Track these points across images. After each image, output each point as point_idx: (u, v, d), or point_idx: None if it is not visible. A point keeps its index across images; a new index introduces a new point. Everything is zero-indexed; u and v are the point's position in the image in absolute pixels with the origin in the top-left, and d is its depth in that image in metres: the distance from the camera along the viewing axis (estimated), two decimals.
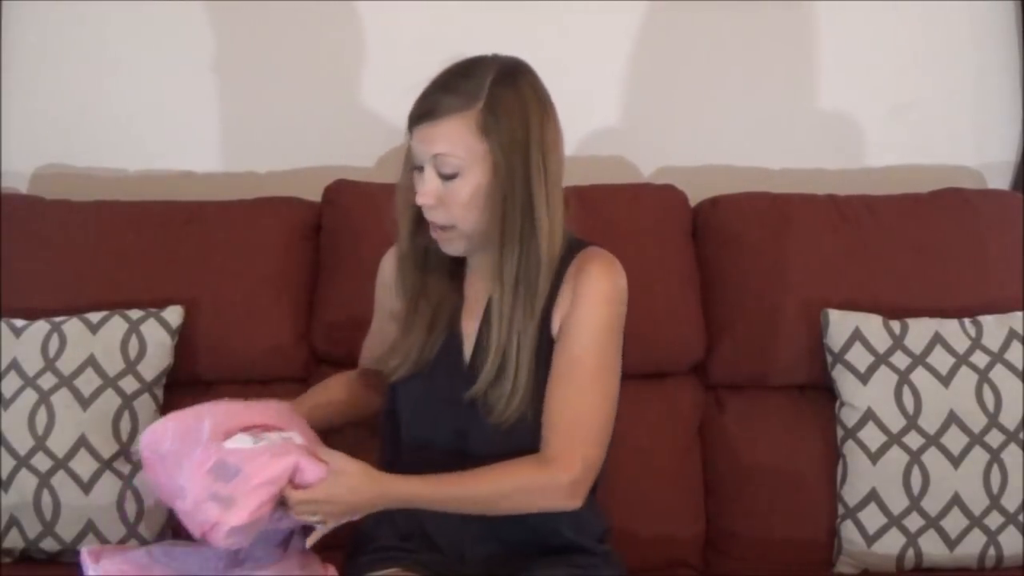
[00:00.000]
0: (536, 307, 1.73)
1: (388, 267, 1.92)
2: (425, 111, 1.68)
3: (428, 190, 1.70)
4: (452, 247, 1.77)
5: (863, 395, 2.12)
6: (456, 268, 1.85)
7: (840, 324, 2.15)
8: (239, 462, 1.65)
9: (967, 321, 2.17)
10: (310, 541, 1.73)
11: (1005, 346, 2.14)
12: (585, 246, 1.80)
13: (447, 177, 1.69)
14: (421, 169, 1.72)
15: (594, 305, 1.74)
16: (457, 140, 1.68)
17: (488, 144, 1.68)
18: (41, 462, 2.07)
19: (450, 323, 1.83)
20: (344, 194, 2.33)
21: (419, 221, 1.78)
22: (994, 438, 2.09)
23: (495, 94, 1.68)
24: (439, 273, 1.83)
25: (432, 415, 1.81)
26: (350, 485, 1.68)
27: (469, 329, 1.83)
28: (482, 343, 1.78)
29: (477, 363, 1.78)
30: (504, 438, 1.74)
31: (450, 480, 1.72)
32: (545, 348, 1.76)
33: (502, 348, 1.73)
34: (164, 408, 2.17)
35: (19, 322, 2.17)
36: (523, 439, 1.74)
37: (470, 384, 1.77)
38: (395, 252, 1.87)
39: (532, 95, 1.72)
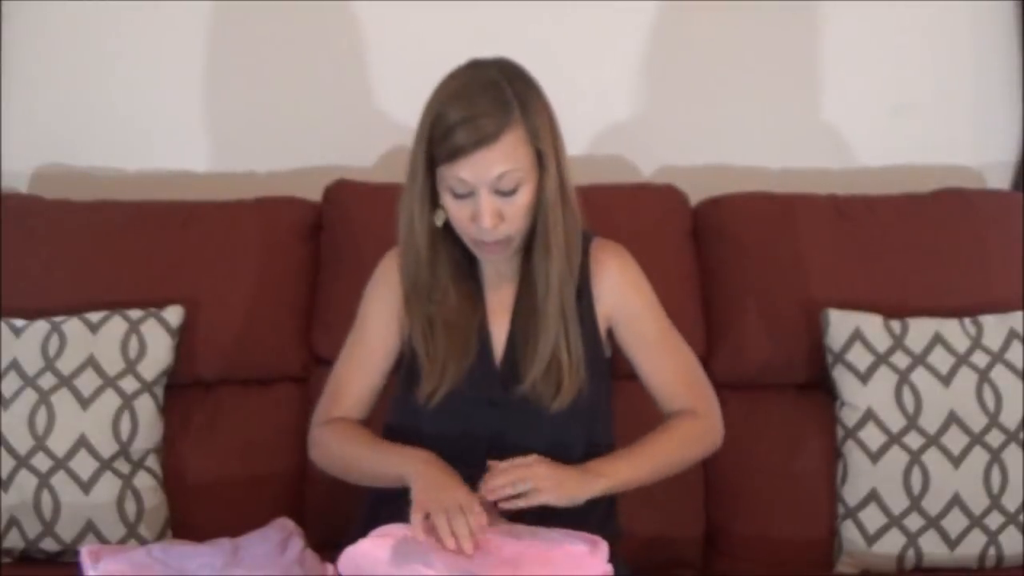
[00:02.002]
0: (575, 281, 1.79)
1: (394, 275, 1.87)
2: (475, 139, 1.66)
3: (492, 212, 1.70)
4: (500, 255, 1.79)
5: (863, 395, 2.12)
6: (467, 282, 1.85)
7: (840, 324, 2.15)
8: None
9: (967, 321, 2.17)
10: (520, 503, 1.64)
11: (1005, 346, 2.14)
12: (588, 233, 1.86)
13: (507, 193, 1.70)
14: (465, 196, 1.70)
15: (643, 288, 1.87)
16: (516, 154, 1.68)
17: (536, 146, 1.70)
18: (41, 462, 2.07)
19: (480, 335, 1.83)
20: (344, 194, 2.33)
21: (438, 246, 1.79)
22: (994, 438, 2.09)
23: (520, 97, 1.70)
24: (452, 293, 1.83)
25: (466, 423, 1.81)
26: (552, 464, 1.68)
27: (499, 334, 1.84)
28: (515, 340, 1.81)
29: (511, 361, 1.81)
30: (548, 430, 1.78)
31: (643, 455, 1.77)
32: (589, 337, 1.81)
33: (554, 326, 1.77)
34: (164, 408, 2.17)
35: (19, 322, 2.17)
36: (569, 428, 1.79)
37: (505, 383, 1.79)
38: (400, 280, 1.85)
39: (534, 82, 1.75)
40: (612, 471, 1.72)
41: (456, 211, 1.73)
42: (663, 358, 1.87)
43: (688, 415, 1.84)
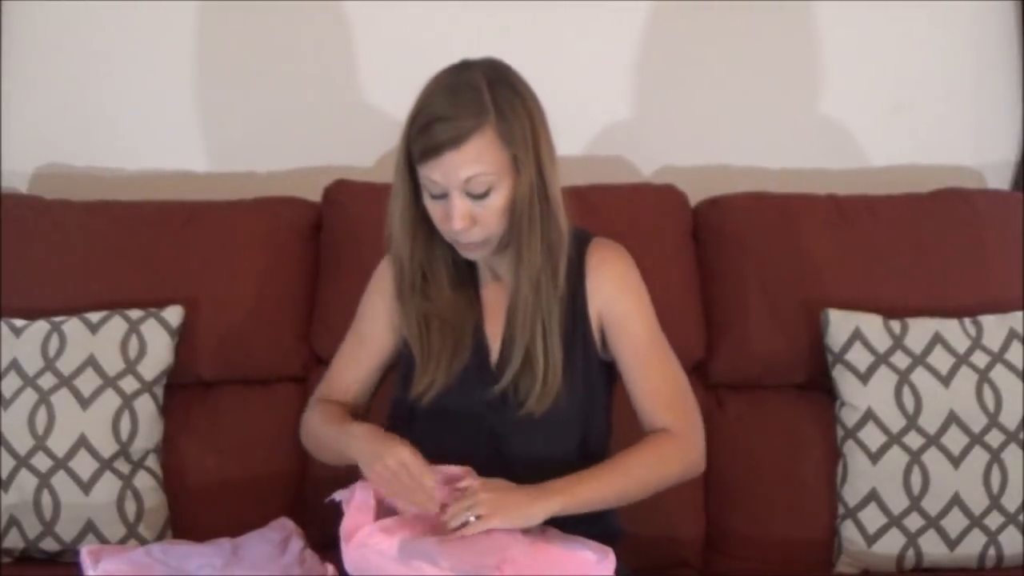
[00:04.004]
0: (559, 285, 1.76)
1: (388, 281, 1.88)
2: (443, 141, 1.65)
3: (462, 214, 1.69)
4: (477, 254, 1.78)
5: (863, 395, 2.12)
6: (463, 281, 1.84)
7: (840, 324, 2.15)
8: None
9: (967, 321, 2.17)
10: (469, 530, 1.63)
11: (1005, 346, 2.14)
12: (586, 234, 1.84)
13: (479, 196, 1.69)
14: (441, 197, 1.70)
15: (638, 291, 1.83)
16: (486, 158, 1.67)
17: (510, 150, 1.69)
18: (41, 462, 2.07)
19: (475, 333, 1.83)
20: (344, 194, 2.34)
21: (428, 242, 1.79)
22: (994, 438, 2.09)
23: (499, 100, 1.68)
24: (447, 291, 1.82)
25: (462, 423, 1.81)
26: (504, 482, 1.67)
27: (494, 333, 1.83)
28: (508, 340, 1.80)
29: (504, 360, 1.79)
30: (541, 432, 1.77)
31: (610, 473, 1.72)
32: (578, 337, 1.79)
33: (528, 331, 1.75)
34: (164, 408, 2.17)
35: (19, 322, 2.17)
36: (560, 431, 1.78)
37: (497, 385, 1.78)
38: (392, 278, 1.85)
39: (521, 86, 1.73)
40: (570, 490, 1.67)
41: (433, 210, 1.73)
42: (650, 367, 1.80)
43: (665, 434, 1.77)
